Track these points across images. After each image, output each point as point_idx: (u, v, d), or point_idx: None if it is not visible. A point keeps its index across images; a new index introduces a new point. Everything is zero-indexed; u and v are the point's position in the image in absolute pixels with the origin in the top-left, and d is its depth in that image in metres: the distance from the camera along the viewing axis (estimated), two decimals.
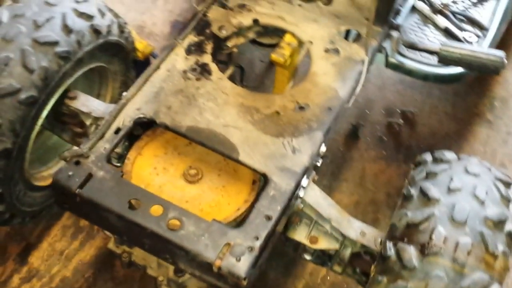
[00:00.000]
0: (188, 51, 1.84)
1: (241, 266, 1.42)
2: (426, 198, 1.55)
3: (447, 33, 2.10)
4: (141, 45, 2.34)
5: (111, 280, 2.34)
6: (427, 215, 1.51)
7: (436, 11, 2.14)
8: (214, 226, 1.49)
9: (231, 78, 2.08)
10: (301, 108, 1.74)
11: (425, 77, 2.00)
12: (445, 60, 1.85)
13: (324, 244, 1.83)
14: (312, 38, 1.92)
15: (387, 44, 2.01)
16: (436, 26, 2.14)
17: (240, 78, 2.28)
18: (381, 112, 2.92)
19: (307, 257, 1.89)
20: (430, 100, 2.97)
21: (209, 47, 1.85)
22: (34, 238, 2.43)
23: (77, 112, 1.94)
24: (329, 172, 2.69)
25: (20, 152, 1.83)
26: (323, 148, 1.70)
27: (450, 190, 1.55)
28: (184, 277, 1.70)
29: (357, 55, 1.88)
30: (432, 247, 1.44)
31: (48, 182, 2.08)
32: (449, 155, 1.74)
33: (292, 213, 1.76)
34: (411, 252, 1.46)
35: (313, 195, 1.77)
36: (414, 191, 1.60)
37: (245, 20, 1.95)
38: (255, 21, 1.95)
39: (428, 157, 1.76)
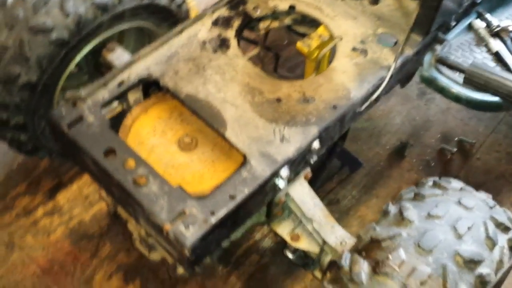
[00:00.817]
0: (215, 23, 1.85)
1: (188, 236, 1.41)
2: (400, 218, 1.45)
3: (497, 58, 1.92)
4: None
5: (123, 234, 2.43)
6: (393, 234, 1.40)
7: (493, 33, 1.96)
8: (176, 192, 1.49)
9: (263, 63, 2.07)
10: (306, 100, 1.69)
11: (457, 99, 1.84)
12: (470, 80, 1.70)
13: (304, 244, 1.77)
14: (344, 34, 1.85)
15: (427, 57, 1.89)
16: (488, 49, 1.96)
17: (274, 65, 2.25)
18: (437, 136, 2.75)
19: (289, 254, 1.84)
20: (495, 136, 2.75)
21: (236, 23, 1.85)
22: (66, 178, 2.59)
23: (110, 63, 2.03)
24: (362, 184, 2.59)
25: (47, 89, 1.95)
26: (316, 145, 1.63)
27: (429, 216, 1.43)
28: (153, 238, 1.72)
29: (384, 60, 1.78)
30: (385, 267, 1.34)
31: None
32: (454, 183, 1.60)
33: (274, 204, 1.72)
34: (362, 267, 1.37)
35: (300, 192, 1.72)
36: (392, 208, 1.50)
37: (282, 4, 1.93)
38: (291, 7, 1.92)
39: (430, 180, 1.63)
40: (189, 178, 1.67)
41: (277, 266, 2.37)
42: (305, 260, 1.84)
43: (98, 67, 2.18)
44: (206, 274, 2.34)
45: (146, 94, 1.85)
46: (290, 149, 1.59)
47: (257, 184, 1.52)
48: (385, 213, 1.50)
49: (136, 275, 2.33)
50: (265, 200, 1.62)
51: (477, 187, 1.73)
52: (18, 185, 2.56)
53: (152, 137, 1.75)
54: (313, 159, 1.68)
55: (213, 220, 1.45)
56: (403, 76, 1.90)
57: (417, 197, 1.51)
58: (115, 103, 2.19)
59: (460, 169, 2.63)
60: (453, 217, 1.43)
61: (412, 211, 1.44)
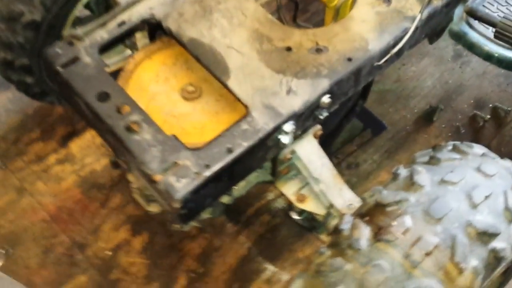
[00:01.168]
0: None
1: (178, 188, 1.33)
2: (410, 182, 1.31)
3: None
4: None
5: None
6: (400, 198, 1.27)
7: None
8: (170, 142, 1.40)
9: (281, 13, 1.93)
10: (318, 50, 1.55)
11: (487, 56, 1.67)
12: (501, 35, 1.52)
13: (310, 206, 1.66)
14: None
15: (458, 10, 1.71)
16: None
17: (293, 14, 2.11)
18: (470, 102, 2.57)
19: (294, 216, 1.74)
20: None
21: None
22: (80, 127, 2.53)
23: None
24: (384, 148, 2.45)
25: (52, 29, 1.86)
26: (326, 100, 1.50)
27: (442, 181, 1.30)
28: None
29: (410, 11, 1.62)
30: (387, 233, 1.22)
31: None
32: (476, 148, 1.45)
33: (278, 162, 1.61)
34: (363, 232, 1.25)
35: (308, 150, 1.60)
36: (403, 171, 1.36)
37: None
38: None
39: (450, 144, 1.49)
40: (190, 128, 1.57)
41: (289, 227, 2.28)
42: (312, 223, 1.74)
43: (109, 10, 2.08)
44: (215, 231, 2.27)
45: (153, 39, 1.75)
46: (296, 103, 1.46)
47: (258, 138, 1.41)
48: (395, 176, 1.37)
49: (144, 227, 2.28)
50: (267, 156, 1.51)
51: (510, 157, 1.58)
52: (32, 131, 2.53)
53: (154, 84, 1.65)
54: (323, 115, 1.55)
55: (207, 173, 1.35)
56: (430, 30, 1.73)
57: (432, 161, 1.37)
58: (128, 52, 2.10)
59: (493, 137, 2.45)
60: (470, 184, 1.29)
61: (424, 175, 1.31)
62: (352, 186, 2.31)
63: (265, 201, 2.35)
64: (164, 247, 2.23)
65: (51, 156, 2.47)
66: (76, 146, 2.51)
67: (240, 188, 1.73)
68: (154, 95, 1.63)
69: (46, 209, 2.32)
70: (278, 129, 1.44)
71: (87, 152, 2.48)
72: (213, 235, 2.26)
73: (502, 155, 1.69)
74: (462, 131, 2.47)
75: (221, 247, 2.23)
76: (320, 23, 2.69)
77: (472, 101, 2.56)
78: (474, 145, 1.46)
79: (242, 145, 1.39)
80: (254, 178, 1.73)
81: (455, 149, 1.43)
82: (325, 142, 2.10)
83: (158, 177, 1.34)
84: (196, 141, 1.51)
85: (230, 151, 1.38)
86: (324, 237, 1.73)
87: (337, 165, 2.35)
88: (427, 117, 2.51)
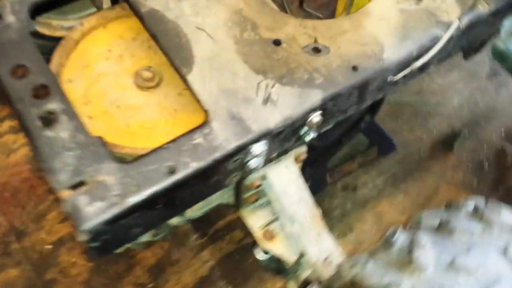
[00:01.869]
0: None
1: (88, 214, 0.96)
2: (408, 257, 0.93)
3: None
4: None
5: None
6: (388, 282, 0.90)
7: None
8: (93, 146, 1.03)
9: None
10: (316, 49, 1.16)
11: None
12: None
13: (278, 247, 1.31)
14: None
15: (508, 23, 1.32)
16: None
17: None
18: (500, 131, 2.17)
19: (258, 255, 1.38)
20: None
21: None
22: None
23: None
24: (390, 172, 2.08)
25: None
26: (315, 117, 1.12)
27: (452, 265, 0.91)
28: None
29: (445, 14, 1.23)
30: None
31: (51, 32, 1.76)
32: (505, 216, 1.06)
33: (243, 187, 1.24)
34: None
35: (284, 178, 1.23)
36: (401, 238, 0.98)
37: None
38: None
39: (471, 203, 1.10)
40: (137, 127, 1.21)
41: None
42: (280, 266, 1.38)
43: None
44: (175, 241, 1.93)
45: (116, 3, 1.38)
46: (274, 117, 1.08)
47: (213, 158, 1.04)
48: (388, 241, 0.99)
49: None
50: (225, 182, 1.13)
51: None
52: None
53: (103, 61, 1.29)
54: (310, 136, 1.17)
55: (134, 198, 0.98)
56: (469, 42, 1.33)
57: (443, 228, 0.99)
58: None
59: None
60: (490, 274, 0.91)
61: (428, 252, 0.92)
62: (345, 213, 1.97)
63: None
64: None
65: (5, 123, 2.17)
66: None
67: (195, 209, 1.37)
68: (100, 75, 1.27)
69: None
70: (243, 149, 1.07)
71: None
72: (172, 246, 1.93)
73: None
74: (485, 167, 2.09)
75: (179, 261, 1.91)
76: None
77: (503, 131, 2.17)
78: (504, 210, 1.07)
79: (189, 166, 1.02)
80: (214, 198, 1.36)
81: (477, 213, 1.04)
82: (319, 159, 1.73)
83: (64, 194, 0.98)
84: (141, 145, 1.15)
85: (171, 171, 1.01)
86: (293, 285, 1.36)
87: (331, 185, 1.99)
88: (447, 142, 2.13)
